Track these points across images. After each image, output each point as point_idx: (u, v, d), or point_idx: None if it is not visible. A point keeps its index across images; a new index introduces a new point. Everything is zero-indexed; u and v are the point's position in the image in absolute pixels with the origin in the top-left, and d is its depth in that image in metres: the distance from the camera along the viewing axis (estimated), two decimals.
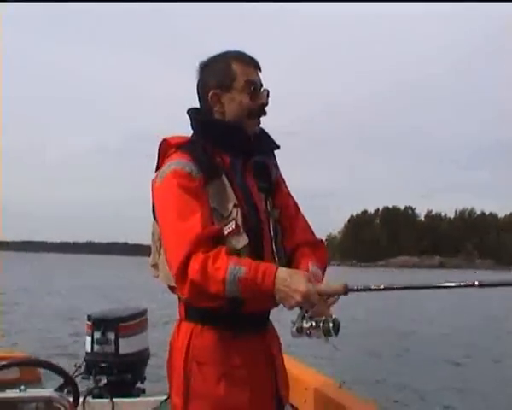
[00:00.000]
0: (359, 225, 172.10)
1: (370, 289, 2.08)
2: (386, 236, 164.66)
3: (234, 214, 2.23)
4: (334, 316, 2.06)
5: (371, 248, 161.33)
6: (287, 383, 2.47)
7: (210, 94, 2.36)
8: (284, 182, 2.54)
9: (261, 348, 2.33)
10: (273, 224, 2.37)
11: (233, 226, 2.21)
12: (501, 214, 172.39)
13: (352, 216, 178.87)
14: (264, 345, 2.34)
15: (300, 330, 2.06)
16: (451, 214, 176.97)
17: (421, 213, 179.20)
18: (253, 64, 2.39)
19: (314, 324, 2.05)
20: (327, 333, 2.03)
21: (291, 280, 2.03)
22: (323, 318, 2.05)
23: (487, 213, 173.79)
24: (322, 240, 2.52)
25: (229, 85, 2.34)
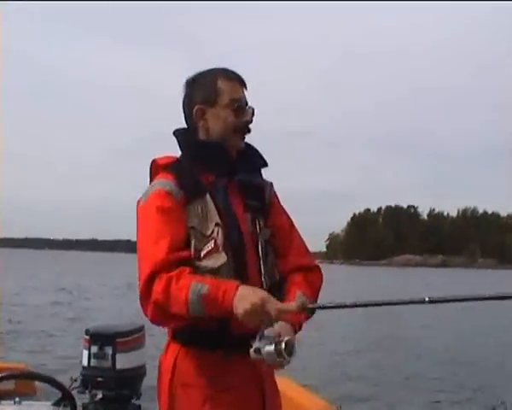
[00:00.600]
0: (362, 223, 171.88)
1: (330, 307, 2.09)
2: (389, 235, 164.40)
3: (214, 234, 2.23)
4: (289, 338, 2.03)
5: (374, 246, 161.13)
6: (278, 406, 2.44)
7: (195, 109, 2.39)
8: (279, 200, 2.53)
9: (249, 370, 2.26)
10: (263, 243, 2.35)
11: (212, 245, 2.21)
12: (503, 214, 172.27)
13: (354, 215, 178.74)
14: (253, 367, 2.25)
15: (258, 352, 2.04)
16: (454, 213, 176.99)
17: (424, 212, 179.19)
18: (239, 81, 2.40)
19: (269, 344, 2.02)
20: (278, 354, 2.00)
21: (249, 294, 2.02)
22: (280, 338, 2.02)
23: (490, 212, 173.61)
24: (316, 265, 2.49)
25: (214, 101, 2.36)
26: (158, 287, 2.08)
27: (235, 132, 2.36)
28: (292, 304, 2.06)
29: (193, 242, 2.22)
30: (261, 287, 2.23)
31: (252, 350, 2.05)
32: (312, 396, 3.61)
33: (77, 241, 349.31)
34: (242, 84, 2.41)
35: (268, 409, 2.33)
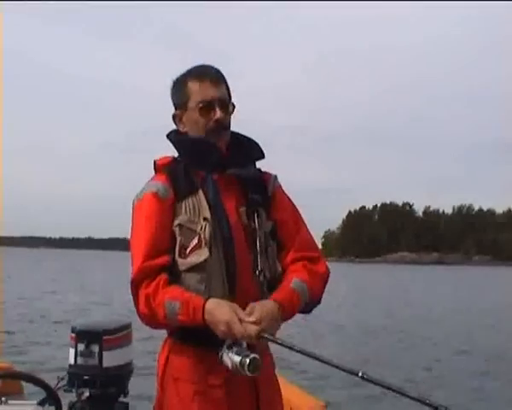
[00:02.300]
0: (357, 221, 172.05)
1: (281, 344, 2.09)
2: (384, 232, 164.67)
3: (202, 229, 2.25)
4: (255, 356, 2.04)
5: (369, 244, 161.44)
6: (276, 403, 2.44)
7: (172, 115, 2.45)
8: (284, 193, 2.51)
9: None
10: (262, 237, 2.34)
11: (196, 241, 2.24)
12: (499, 211, 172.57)
13: (349, 212, 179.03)
14: None
15: (221, 359, 2.09)
16: (449, 211, 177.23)
17: (420, 209, 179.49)
18: (211, 78, 2.38)
19: (235, 354, 2.05)
20: (241, 368, 2.03)
21: (216, 311, 2.08)
22: (247, 352, 2.05)
23: (485, 209, 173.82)
24: (320, 255, 2.48)
25: (185, 105, 2.39)
26: (141, 301, 2.20)
27: (209, 133, 2.36)
28: (254, 331, 2.06)
29: (179, 239, 2.25)
30: (254, 282, 2.29)
31: (219, 356, 2.10)
32: (299, 392, 3.60)
33: (73, 239, 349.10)
34: (216, 80, 2.39)
35: (262, 407, 2.33)
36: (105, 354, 4.11)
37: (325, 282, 2.41)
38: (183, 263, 2.23)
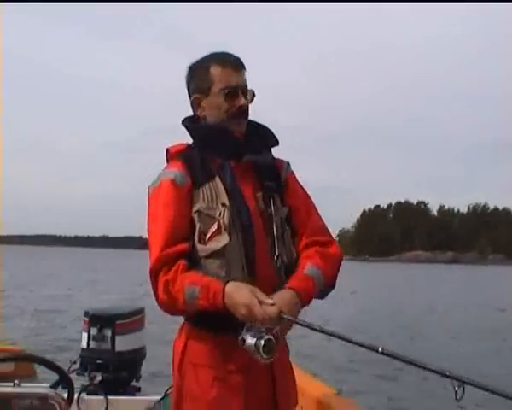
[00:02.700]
0: (372, 219, 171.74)
1: (300, 323, 2.10)
2: (398, 231, 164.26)
3: (220, 215, 2.25)
4: (269, 337, 2.04)
5: (384, 242, 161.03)
6: (291, 389, 2.45)
7: (192, 98, 2.42)
8: (297, 180, 2.52)
9: None
10: (278, 223, 2.35)
11: (215, 227, 2.24)
12: None
13: (364, 211, 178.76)
14: None
15: (242, 342, 2.07)
16: (464, 209, 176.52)
17: (434, 208, 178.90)
18: (234, 65, 2.37)
19: (252, 337, 2.05)
20: (256, 350, 2.03)
21: (235, 294, 2.08)
22: (261, 334, 2.05)
23: (500, 208, 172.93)
24: (332, 239, 2.48)
25: (207, 90, 2.37)
26: (160, 288, 2.19)
27: (231, 119, 2.35)
28: (274, 312, 2.05)
29: (198, 225, 2.25)
30: (273, 267, 2.30)
31: (239, 339, 2.08)
32: (311, 379, 3.57)
33: (88, 238, 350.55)
34: (238, 67, 2.39)
35: (278, 393, 2.34)
36: (117, 338, 4.15)
37: (339, 264, 2.41)
38: (202, 249, 2.23)
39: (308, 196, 2.52)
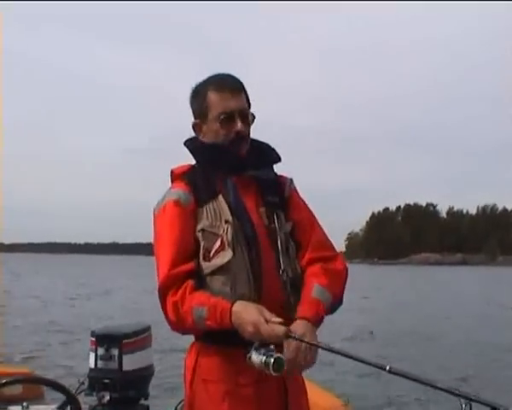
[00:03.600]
0: (381, 222, 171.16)
1: (307, 342, 2.11)
2: (408, 233, 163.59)
3: (224, 232, 2.27)
4: (279, 355, 2.06)
5: (393, 245, 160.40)
6: (303, 402, 2.46)
7: (192, 124, 2.47)
8: (299, 196, 2.55)
9: None
10: (283, 237, 2.37)
11: (218, 244, 2.27)
12: None
13: (373, 213, 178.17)
14: None
15: (249, 360, 2.09)
16: (473, 211, 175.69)
17: (443, 209, 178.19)
18: (230, 89, 2.39)
19: (262, 355, 2.07)
20: (266, 368, 2.05)
21: (243, 314, 2.09)
22: (271, 352, 2.07)
23: (509, 209, 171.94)
24: (337, 254, 2.51)
25: (205, 116, 2.41)
26: (169, 309, 2.22)
27: (230, 144, 2.38)
28: (281, 331, 2.06)
29: (202, 243, 2.28)
30: (279, 281, 2.31)
31: (247, 357, 2.10)
32: (319, 389, 3.59)
33: (98, 244, 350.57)
34: (235, 91, 2.41)
35: (291, 405, 2.34)
36: (125, 357, 4.16)
37: (345, 280, 2.43)
38: (207, 266, 2.26)
39: (310, 211, 2.54)
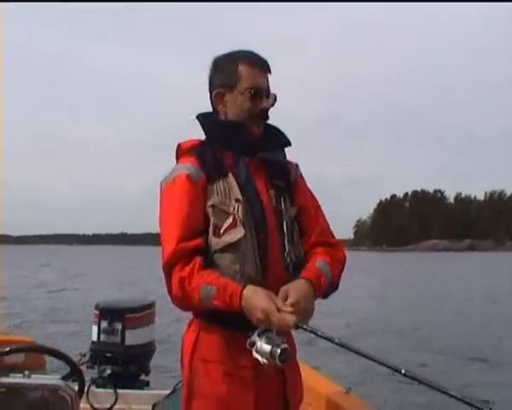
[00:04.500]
0: (389, 209, 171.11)
1: (316, 334, 2.08)
2: (415, 220, 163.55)
3: (235, 210, 2.25)
4: (286, 346, 2.05)
5: (401, 232, 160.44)
6: (297, 387, 2.46)
7: (214, 92, 2.41)
8: (305, 182, 2.54)
9: None
10: (288, 221, 2.37)
11: (230, 221, 2.24)
12: None
13: (380, 201, 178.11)
14: None
15: (252, 345, 2.07)
16: (481, 197, 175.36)
17: (451, 196, 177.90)
18: (261, 67, 2.39)
19: (266, 343, 2.05)
20: (272, 357, 2.03)
21: (253, 298, 2.08)
22: (278, 341, 2.05)
23: None
24: (339, 242, 2.52)
25: (232, 86, 2.36)
26: (174, 283, 2.18)
27: (251, 119, 2.36)
28: (292, 321, 2.05)
29: (212, 219, 2.25)
30: (283, 264, 2.31)
31: (248, 341, 2.08)
32: (319, 377, 3.56)
33: (106, 235, 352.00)
34: (265, 69, 2.40)
35: (288, 389, 2.35)
36: (127, 332, 4.17)
37: (343, 267, 2.44)
38: (217, 242, 2.23)
39: (315, 198, 2.54)
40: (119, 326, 4.17)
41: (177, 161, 2.43)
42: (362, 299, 22.95)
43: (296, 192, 2.46)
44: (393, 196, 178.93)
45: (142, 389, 4.21)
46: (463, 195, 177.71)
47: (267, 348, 2.03)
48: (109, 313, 4.21)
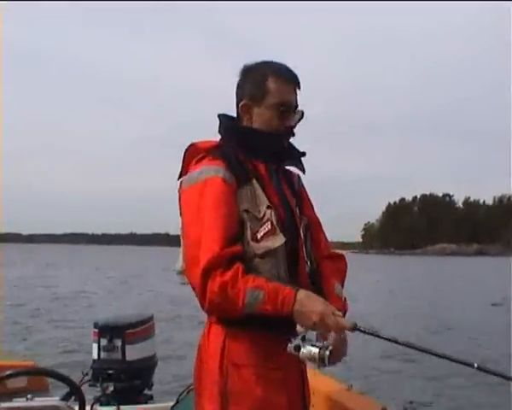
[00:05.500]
0: (397, 213, 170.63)
1: (378, 336, 2.07)
2: (424, 223, 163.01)
3: (267, 216, 2.25)
4: (333, 347, 2.07)
5: (409, 235, 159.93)
6: (308, 386, 2.49)
7: (241, 103, 2.39)
8: (307, 194, 2.58)
9: None
10: (304, 229, 2.39)
11: (269, 227, 2.23)
12: None
13: (389, 204, 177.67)
14: None
15: (297, 349, 2.07)
16: (490, 201, 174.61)
17: (460, 200, 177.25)
18: (291, 83, 2.37)
19: (312, 346, 2.07)
20: (321, 360, 2.04)
21: (308, 302, 2.07)
22: (323, 344, 2.07)
23: None
24: (342, 254, 2.57)
25: (260, 100, 2.35)
26: (213, 287, 2.11)
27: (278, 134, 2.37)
28: (348, 323, 2.07)
29: (248, 224, 2.23)
30: (306, 271, 2.34)
31: (291, 345, 2.09)
32: (321, 376, 3.55)
33: (115, 235, 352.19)
34: (295, 85, 2.38)
35: (306, 391, 2.43)
36: (128, 347, 4.18)
37: (345, 278, 2.52)
38: (258, 247, 2.21)
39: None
40: (118, 343, 4.18)
41: (186, 162, 2.39)
42: (369, 301, 22.88)
43: (303, 202, 2.50)
44: (402, 200, 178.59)
45: (146, 403, 4.22)
46: (472, 199, 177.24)
47: (315, 350, 2.05)
48: (108, 331, 4.22)
